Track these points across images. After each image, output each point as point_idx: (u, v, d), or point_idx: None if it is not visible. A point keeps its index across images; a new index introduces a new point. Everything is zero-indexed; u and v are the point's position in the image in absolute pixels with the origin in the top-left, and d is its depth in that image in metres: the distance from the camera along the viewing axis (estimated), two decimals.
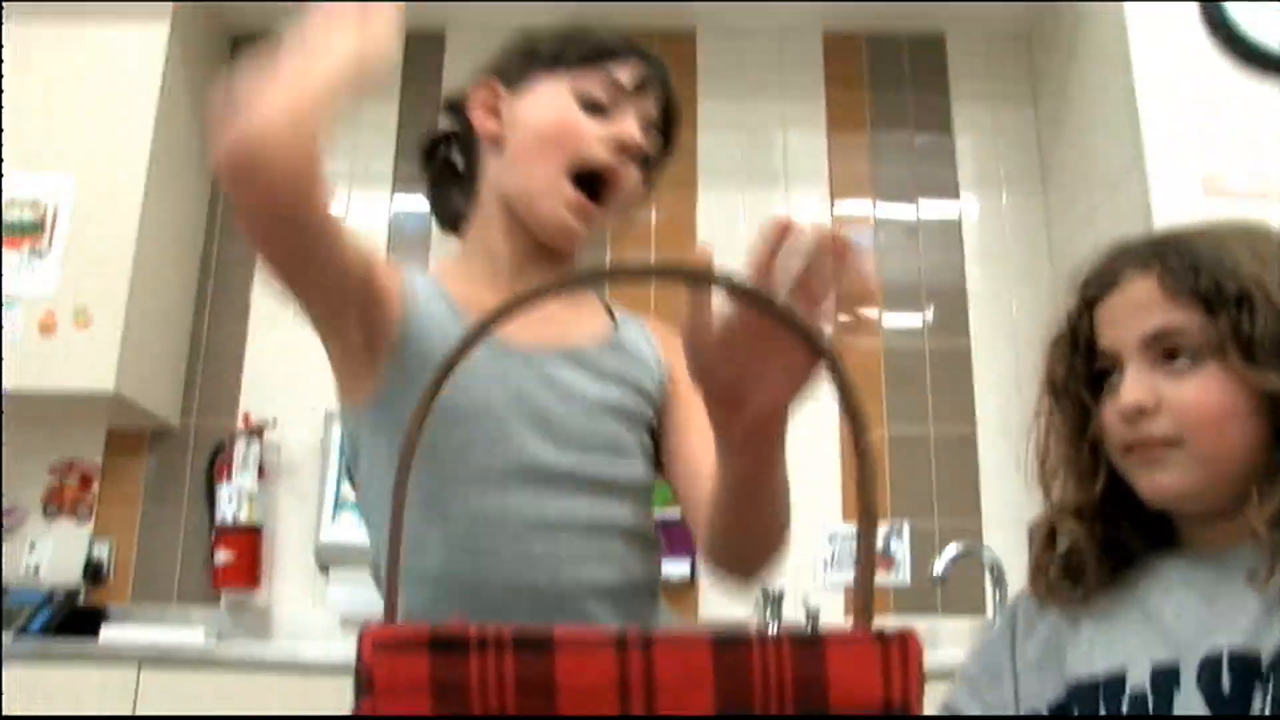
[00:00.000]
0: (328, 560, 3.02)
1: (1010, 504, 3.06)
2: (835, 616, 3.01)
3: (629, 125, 1.23)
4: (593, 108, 1.23)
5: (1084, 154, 3.15)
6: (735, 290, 0.69)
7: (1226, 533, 1.04)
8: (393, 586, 0.65)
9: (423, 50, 3.53)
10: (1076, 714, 1.05)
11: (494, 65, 1.30)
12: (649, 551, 1.24)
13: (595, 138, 1.21)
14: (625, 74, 1.25)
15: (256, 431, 3.11)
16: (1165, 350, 1.04)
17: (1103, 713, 1.02)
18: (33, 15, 3.20)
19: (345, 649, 2.75)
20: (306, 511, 3.11)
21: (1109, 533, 1.10)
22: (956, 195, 3.44)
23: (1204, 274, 1.03)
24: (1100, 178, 3.02)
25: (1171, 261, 1.05)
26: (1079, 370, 1.12)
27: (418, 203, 3.44)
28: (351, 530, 2.99)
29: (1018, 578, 2.86)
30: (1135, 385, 1.04)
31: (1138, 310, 1.06)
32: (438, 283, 1.22)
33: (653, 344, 1.30)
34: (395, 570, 0.66)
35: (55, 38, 3.21)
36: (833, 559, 3.08)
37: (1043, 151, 3.44)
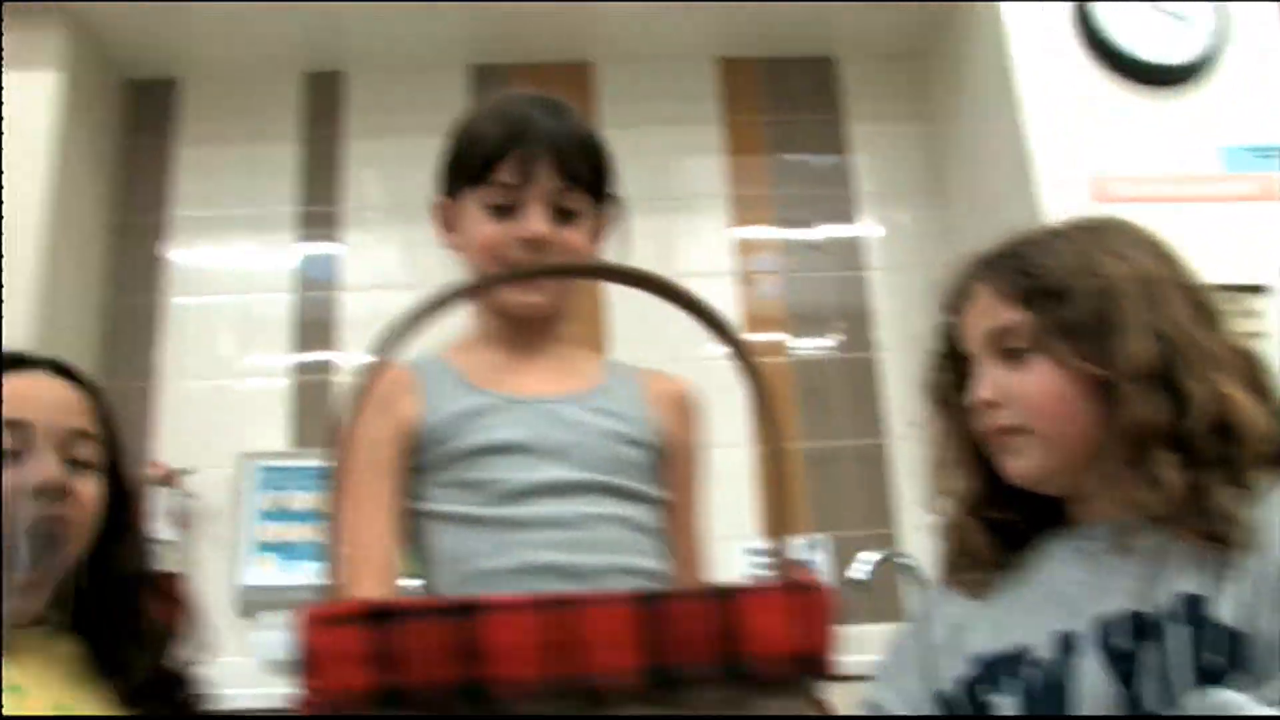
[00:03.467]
0: (250, 604, 2.97)
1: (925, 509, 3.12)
2: None
3: (530, 220, 1.34)
4: (501, 211, 1.35)
5: (976, 167, 3.25)
6: (652, 286, 0.73)
7: (1105, 507, 1.11)
8: (337, 568, 0.68)
9: (322, 89, 3.53)
10: (983, 688, 1.11)
11: (438, 179, 1.46)
12: (666, 559, 1.37)
13: (509, 243, 1.35)
14: (510, 173, 1.34)
15: (167, 480, 3.06)
16: (1005, 349, 1.15)
17: (1004, 680, 1.08)
18: None
19: (271, 693, 2.71)
20: (222, 557, 3.06)
21: (1002, 519, 1.20)
22: (857, 215, 3.52)
23: (1029, 275, 1.14)
24: (993, 190, 3.11)
25: (1002, 267, 1.18)
26: (952, 377, 1.22)
27: (322, 247, 3.43)
28: (274, 572, 2.95)
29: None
30: (982, 382, 1.16)
31: (981, 315, 1.19)
32: (444, 359, 1.41)
33: (638, 395, 1.42)
34: (339, 554, 0.68)
35: None
36: (752, 572, 3.11)
37: (938, 167, 3.53)
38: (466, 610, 0.59)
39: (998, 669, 1.10)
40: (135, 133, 3.53)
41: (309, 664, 0.59)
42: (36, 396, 1.20)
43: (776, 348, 3.35)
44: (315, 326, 3.38)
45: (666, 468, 1.40)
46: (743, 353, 0.72)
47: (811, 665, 0.63)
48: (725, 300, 3.37)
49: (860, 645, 2.99)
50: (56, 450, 1.18)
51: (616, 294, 3.17)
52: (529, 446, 1.30)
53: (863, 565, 2.91)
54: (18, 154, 3.09)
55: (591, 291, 3.13)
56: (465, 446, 1.30)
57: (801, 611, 0.63)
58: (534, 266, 1.37)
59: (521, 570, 1.24)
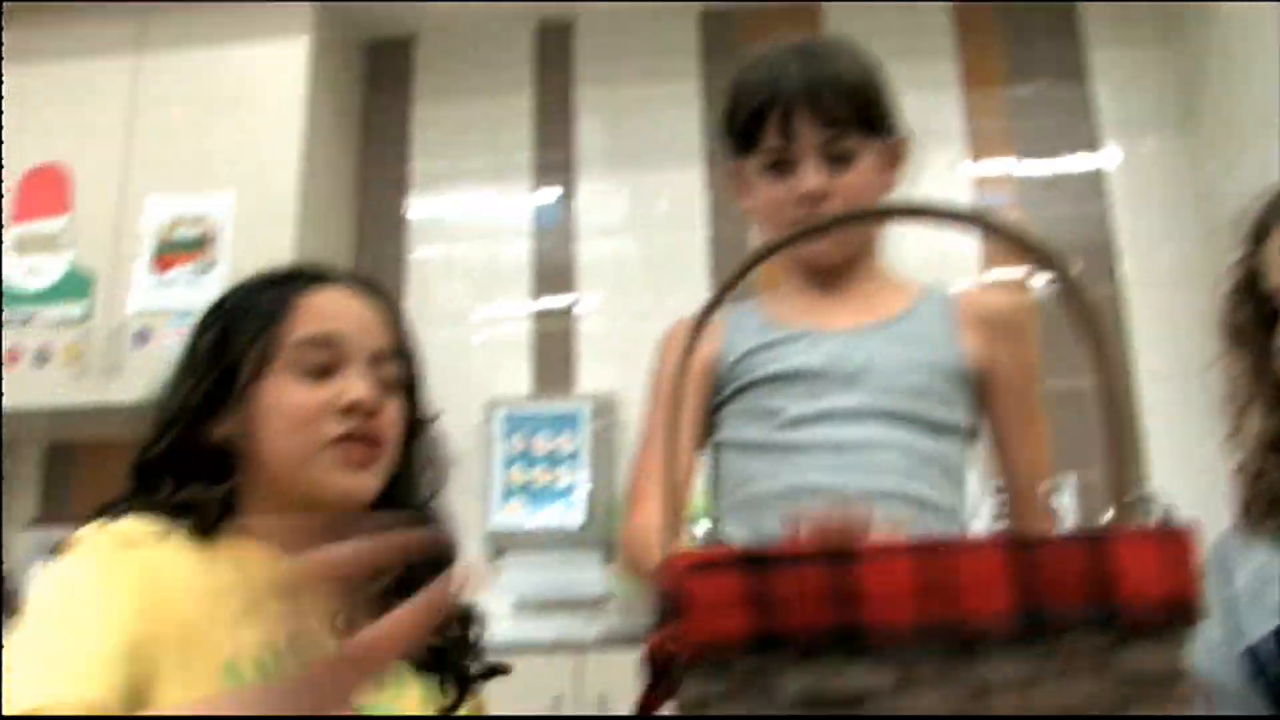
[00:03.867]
0: (499, 546, 3.10)
1: (1177, 449, 3.00)
2: None
3: (802, 177, 1.30)
4: (778, 169, 1.32)
5: (1229, 91, 3.07)
6: (989, 227, 0.72)
7: None
8: (674, 520, 0.70)
9: (552, 39, 3.60)
10: None
11: (720, 144, 1.43)
12: (959, 490, 1.30)
13: (788, 202, 1.31)
14: (774, 135, 1.30)
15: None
16: None
17: None
18: (182, 42, 3.35)
19: (519, 631, 2.83)
20: (473, 500, 3.20)
21: None
22: (1097, 146, 3.38)
23: None
24: (1247, 116, 2.93)
25: None
26: (1253, 312, 1.12)
27: (556, 194, 3.52)
28: (521, 515, 3.07)
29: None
30: None
31: None
32: (753, 302, 1.43)
33: (950, 319, 1.34)
34: (674, 512, 0.70)
35: (205, 61, 3.36)
36: (1000, 511, 3.05)
37: (1186, 93, 3.34)
38: (843, 555, 0.60)
39: None
40: (376, 92, 3.69)
41: (683, 609, 0.61)
42: (345, 311, 1.13)
43: (1015, 284, 3.26)
44: (553, 272, 3.48)
45: (988, 394, 1.33)
46: (1073, 286, 0.70)
47: (1182, 612, 0.62)
48: (963, 237, 3.29)
49: None
50: (366, 367, 1.11)
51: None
52: (819, 374, 1.29)
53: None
54: (272, 122, 3.28)
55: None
56: (757, 376, 1.31)
57: (1172, 556, 0.62)
58: (815, 221, 1.21)
59: (788, 493, 1.23)
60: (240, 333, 1.11)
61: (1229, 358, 1.21)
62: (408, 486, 1.15)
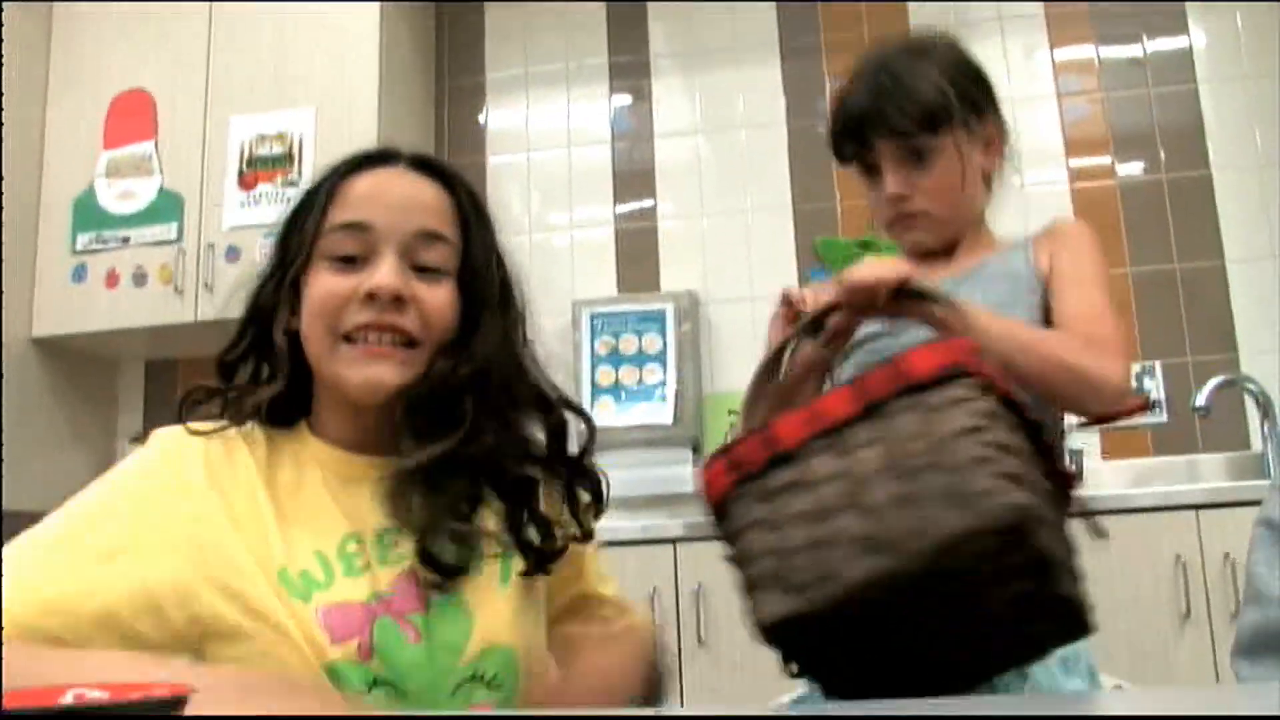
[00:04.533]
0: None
1: (1270, 333, 2.97)
2: (1095, 459, 3.00)
3: (885, 185, 1.45)
4: (871, 176, 1.49)
5: None
6: None
7: None
8: None
9: None
10: None
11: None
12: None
13: (883, 207, 1.48)
14: (856, 154, 1.48)
15: None
16: None
17: None
18: None
19: (611, 527, 2.89)
20: None
21: None
22: (1183, 25, 3.29)
23: None
24: None
25: None
26: None
27: (632, 98, 3.53)
28: (611, 414, 3.12)
29: None
30: None
31: None
32: None
33: (1027, 256, 1.47)
34: None
35: None
36: None
37: None
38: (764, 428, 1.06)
39: None
40: (449, 1, 3.70)
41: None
42: (382, 195, 1.08)
43: (1101, 171, 3.21)
44: (632, 175, 3.50)
45: (1049, 288, 1.43)
46: None
47: (948, 371, 1.01)
48: (1045, 125, 3.25)
49: (1200, 475, 2.92)
50: (399, 254, 1.06)
51: None
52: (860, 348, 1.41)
53: (1204, 392, 2.81)
54: (349, 37, 3.31)
55: None
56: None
57: (943, 349, 1.03)
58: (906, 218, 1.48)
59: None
60: (295, 225, 1.11)
61: None
62: (472, 370, 1.07)
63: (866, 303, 1.21)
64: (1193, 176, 3.16)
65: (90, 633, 0.93)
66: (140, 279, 3.35)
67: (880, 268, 1.20)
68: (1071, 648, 1.29)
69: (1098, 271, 1.42)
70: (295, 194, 1.14)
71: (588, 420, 1.18)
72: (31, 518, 3.31)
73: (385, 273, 1.04)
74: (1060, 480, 1.04)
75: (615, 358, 3.20)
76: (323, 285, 1.05)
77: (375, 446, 1.09)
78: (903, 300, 1.20)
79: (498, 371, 1.09)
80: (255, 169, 3.33)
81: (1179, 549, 2.41)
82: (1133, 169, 3.21)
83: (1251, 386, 2.91)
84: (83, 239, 3.42)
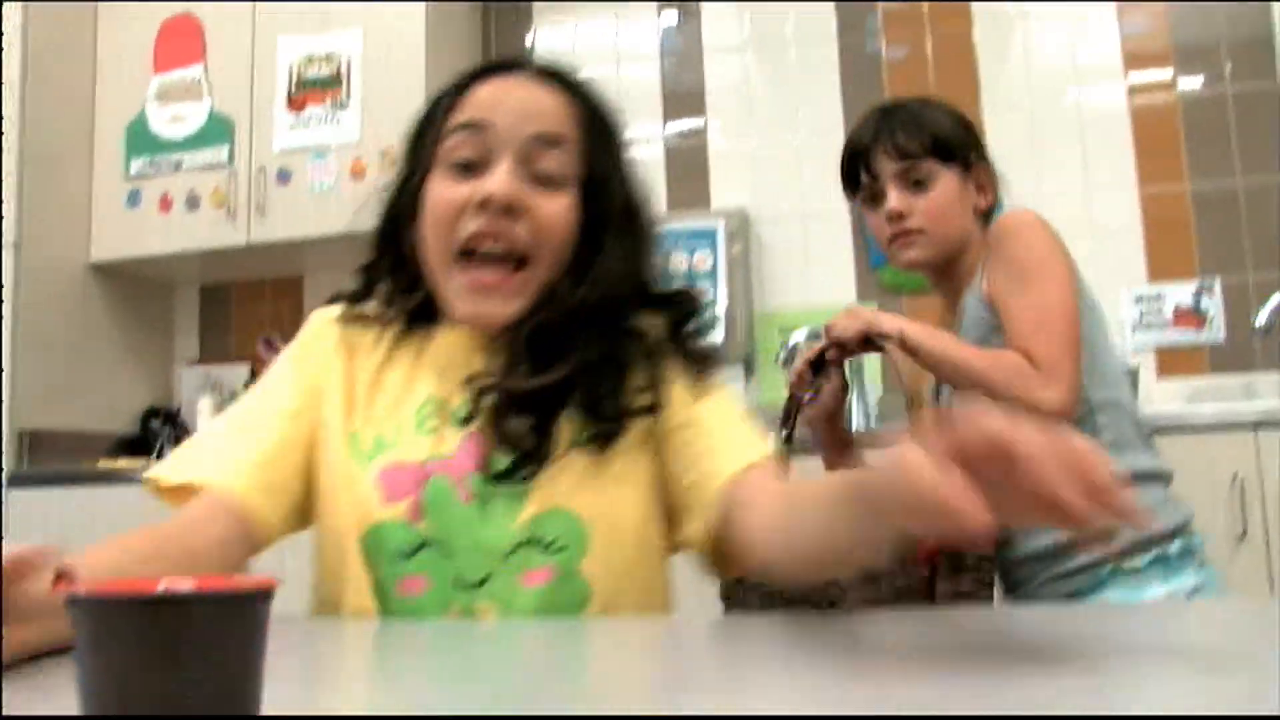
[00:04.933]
0: None
1: None
2: (1149, 378, 2.96)
3: (889, 202, 1.60)
4: (873, 201, 1.64)
5: None
6: None
7: None
8: None
9: None
10: None
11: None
12: None
13: (881, 224, 1.63)
14: (865, 174, 1.63)
15: None
16: None
17: None
18: None
19: None
20: None
21: None
22: None
23: None
24: None
25: None
26: None
27: (681, 15, 3.48)
28: None
29: None
30: None
31: None
32: None
33: (979, 295, 1.56)
34: None
35: None
36: (1140, 320, 3.01)
37: None
38: None
39: None
40: None
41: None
42: (503, 99, 1.05)
43: (1162, 84, 3.14)
44: (682, 94, 3.47)
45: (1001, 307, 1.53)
46: None
47: None
48: (1103, 36, 3.17)
49: (1257, 393, 2.88)
50: (517, 161, 1.03)
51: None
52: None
53: (1266, 311, 2.76)
54: None
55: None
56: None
57: None
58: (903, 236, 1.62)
59: None
60: (420, 133, 1.10)
61: None
62: (595, 301, 1.04)
63: (843, 344, 1.54)
64: (1259, 89, 3.08)
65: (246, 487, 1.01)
66: (193, 203, 3.38)
67: (848, 321, 1.53)
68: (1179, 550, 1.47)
69: (1032, 270, 1.50)
70: (422, 103, 1.13)
71: (702, 305, 1.16)
72: (94, 437, 3.37)
73: (498, 179, 1.01)
74: None
75: (666, 275, 3.18)
76: (439, 192, 1.04)
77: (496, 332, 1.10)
78: (870, 342, 1.52)
79: (618, 300, 1.06)
80: (304, 91, 3.33)
81: (1237, 468, 2.39)
82: (1194, 83, 3.13)
83: None
84: (136, 164, 3.45)
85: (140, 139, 3.46)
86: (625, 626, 0.96)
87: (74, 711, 0.45)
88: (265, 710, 0.48)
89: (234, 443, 1.05)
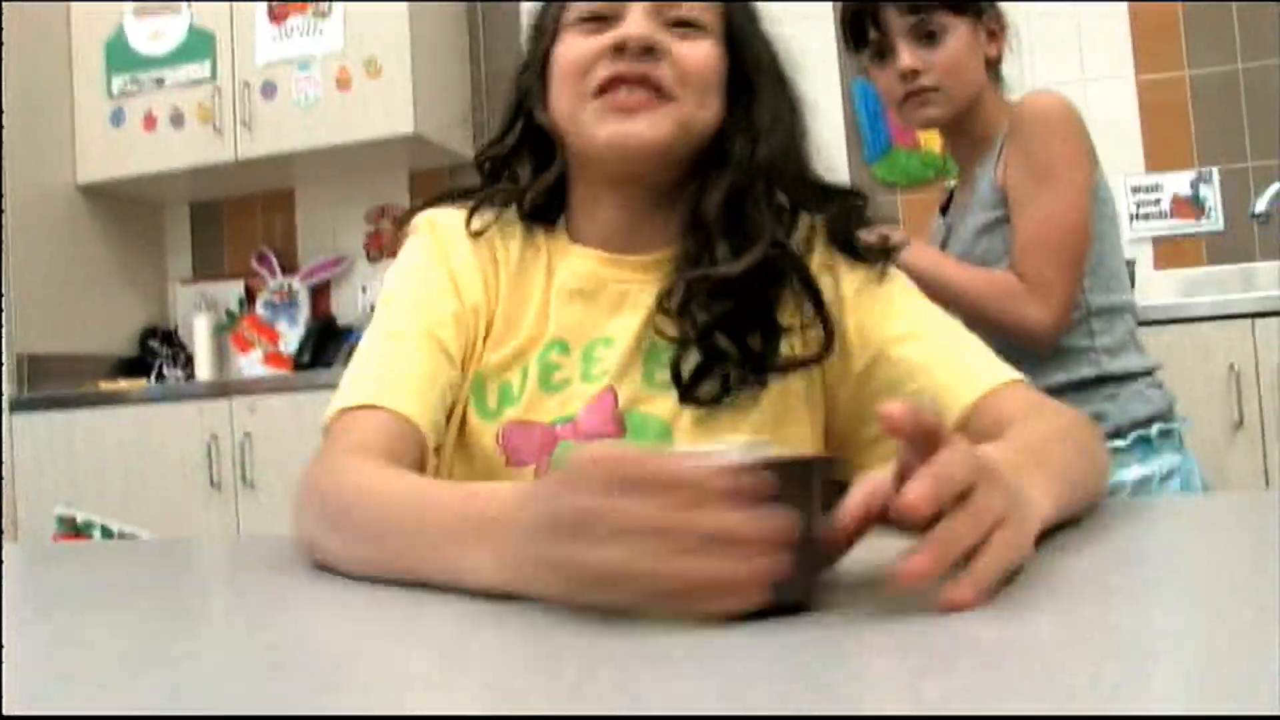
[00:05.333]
0: None
1: None
2: (1146, 268, 2.95)
3: (899, 59, 1.55)
4: (882, 56, 1.59)
5: None
6: None
7: None
8: None
9: None
10: None
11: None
12: None
13: (895, 82, 1.58)
14: (874, 28, 1.56)
15: None
16: None
17: None
18: None
19: None
20: None
21: None
22: None
23: None
24: None
25: None
26: None
27: None
28: None
29: None
30: None
31: None
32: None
33: (992, 179, 1.57)
34: None
35: None
36: (1138, 210, 2.98)
37: None
38: None
39: None
40: None
41: None
42: None
43: None
44: None
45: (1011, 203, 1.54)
46: None
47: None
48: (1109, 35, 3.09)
49: (1256, 282, 2.87)
50: (649, 11, 0.96)
51: None
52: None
53: (1264, 199, 2.73)
54: None
55: None
56: None
57: None
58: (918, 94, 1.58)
59: None
60: (544, 10, 1.04)
61: None
62: (739, 140, 0.97)
63: None
64: None
65: (436, 403, 0.92)
66: (177, 120, 3.33)
67: None
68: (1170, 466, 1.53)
69: (1046, 173, 1.50)
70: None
71: (864, 200, 1.05)
72: (93, 360, 3.37)
73: (635, 19, 0.95)
74: None
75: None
76: (569, 47, 0.97)
77: (635, 246, 1.01)
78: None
79: (790, 159, 0.99)
80: (284, 1, 3.26)
81: (1233, 358, 2.39)
82: None
83: None
84: (118, 82, 3.39)
85: (120, 56, 3.39)
86: None
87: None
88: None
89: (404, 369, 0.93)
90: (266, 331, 3.50)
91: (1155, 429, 1.54)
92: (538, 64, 1.02)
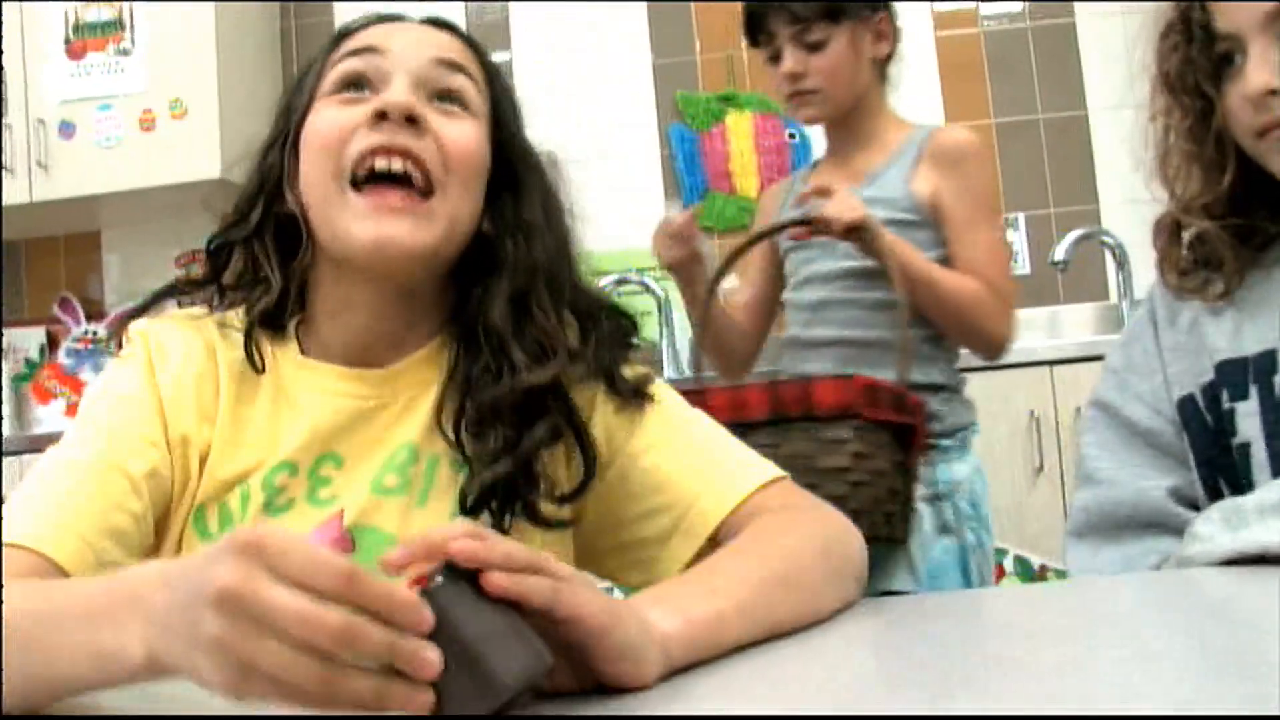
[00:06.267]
0: None
1: (1130, 185, 2.97)
2: None
3: (785, 63, 1.70)
4: (774, 61, 1.73)
5: None
6: None
7: None
8: None
9: None
10: (1226, 395, 1.00)
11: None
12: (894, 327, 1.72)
13: (782, 84, 1.74)
14: (763, 36, 1.72)
15: None
16: None
17: (1253, 390, 0.98)
18: None
19: None
20: None
21: (1242, 223, 1.05)
22: None
23: None
24: None
25: None
26: (1196, 60, 1.01)
27: None
28: None
29: (1141, 259, 2.82)
30: (1262, 66, 0.95)
31: None
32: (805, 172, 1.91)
33: (910, 166, 1.69)
34: None
35: None
36: None
37: None
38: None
39: (1244, 373, 0.99)
40: None
41: None
42: (394, 32, 0.94)
43: (965, 17, 3.16)
44: (485, 28, 3.35)
45: (942, 222, 1.66)
46: None
47: (844, 410, 1.39)
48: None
49: (1061, 326, 2.97)
50: (414, 82, 0.89)
51: None
52: (810, 243, 1.69)
53: (1063, 246, 2.82)
54: None
55: None
56: (785, 246, 1.80)
57: (845, 386, 1.40)
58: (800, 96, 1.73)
59: (788, 341, 1.80)
60: (298, 84, 0.96)
61: (1164, 112, 1.10)
62: (508, 240, 0.92)
63: (826, 229, 1.54)
64: (1057, 24, 3.13)
65: (101, 543, 0.81)
66: None
67: (846, 206, 1.51)
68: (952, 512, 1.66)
69: (987, 201, 1.70)
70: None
71: (633, 324, 0.99)
72: None
73: (397, 89, 0.88)
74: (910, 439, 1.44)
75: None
76: (324, 117, 0.90)
77: (376, 355, 0.93)
78: (855, 233, 1.52)
79: (564, 264, 0.94)
80: (83, 36, 3.11)
81: (1033, 404, 2.46)
82: (996, 11, 3.16)
83: (1108, 239, 2.93)
84: None
85: None
86: None
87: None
88: None
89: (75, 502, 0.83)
90: (69, 381, 3.33)
91: (970, 432, 1.73)
92: (287, 140, 0.94)
